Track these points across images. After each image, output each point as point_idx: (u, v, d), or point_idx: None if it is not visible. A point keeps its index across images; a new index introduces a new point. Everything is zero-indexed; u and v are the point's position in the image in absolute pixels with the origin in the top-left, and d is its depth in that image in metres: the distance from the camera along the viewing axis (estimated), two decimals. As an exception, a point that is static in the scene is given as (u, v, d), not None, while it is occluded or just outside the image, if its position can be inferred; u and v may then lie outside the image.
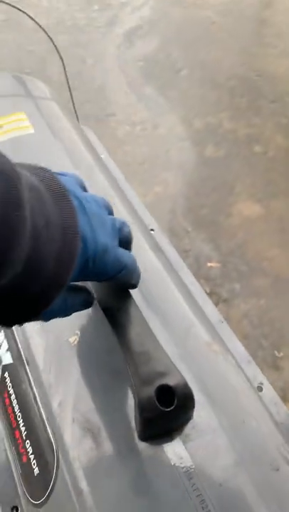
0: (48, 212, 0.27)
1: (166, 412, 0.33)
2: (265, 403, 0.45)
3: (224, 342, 0.50)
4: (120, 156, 2.01)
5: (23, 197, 0.24)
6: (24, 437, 0.42)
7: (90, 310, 0.42)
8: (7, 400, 0.44)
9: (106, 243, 0.33)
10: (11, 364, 0.46)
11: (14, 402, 0.44)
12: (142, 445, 0.36)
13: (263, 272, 1.60)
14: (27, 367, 0.44)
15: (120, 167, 0.84)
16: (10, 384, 0.45)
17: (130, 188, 0.79)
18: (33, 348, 0.45)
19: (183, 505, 0.33)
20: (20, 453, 0.41)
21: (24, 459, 0.41)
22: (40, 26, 0.95)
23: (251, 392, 0.44)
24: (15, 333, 0.47)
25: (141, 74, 2.66)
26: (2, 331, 0.49)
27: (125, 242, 0.37)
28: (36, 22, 0.95)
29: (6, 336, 0.48)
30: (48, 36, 0.95)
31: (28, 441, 0.41)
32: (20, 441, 0.42)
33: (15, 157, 0.26)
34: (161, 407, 0.33)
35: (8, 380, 0.45)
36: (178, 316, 0.48)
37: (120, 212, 0.60)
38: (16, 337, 0.47)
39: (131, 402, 0.38)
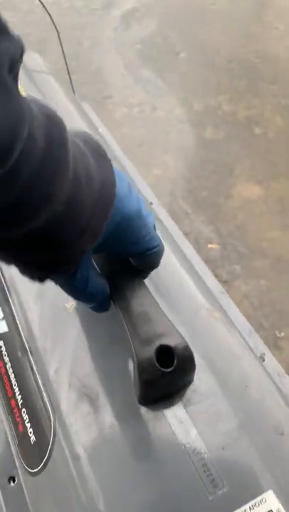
0: (89, 165, 0.29)
1: (166, 372, 0.32)
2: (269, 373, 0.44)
3: (225, 311, 0.49)
4: (118, 138, 1.97)
5: (67, 142, 0.27)
6: (20, 406, 0.40)
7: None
8: (2, 369, 0.43)
9: (140, 208, 0.34)
10: (6, 333, 0.44)
11: (10, 370, 0.43)
12: (142, 409, 0.35)
13: (263, 253, 1.59)
14: (22, 334, 0.43)
15: (118, 148, 0.83)
16: (5, 353, 0.44)
17: (129, 162, 0.78)
18: (28, 315, 0.44)
19: (184, 469, 0.32)
20: (16, 422, 0.40)
21: (20, 428, 0.40)
22: (41, 3, 0.92)
23: (253, 359, 0.42)
24: (10, 301, 0.46)
25: (138, 56, 2.62)
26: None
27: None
28: (40, 1, 0.92)
29: (1, 305, 0.46)
30: (48, 13, 0.93)
31: (24, 409, 0.40)
32: (16, 410, 0.41)
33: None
34: (161, 368, 0.32)
35: (3, 348, 0.44)
36: (177, 283, 0.46)
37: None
38: (12, 305, 0.46)
39: (130, 367, 0.37)
